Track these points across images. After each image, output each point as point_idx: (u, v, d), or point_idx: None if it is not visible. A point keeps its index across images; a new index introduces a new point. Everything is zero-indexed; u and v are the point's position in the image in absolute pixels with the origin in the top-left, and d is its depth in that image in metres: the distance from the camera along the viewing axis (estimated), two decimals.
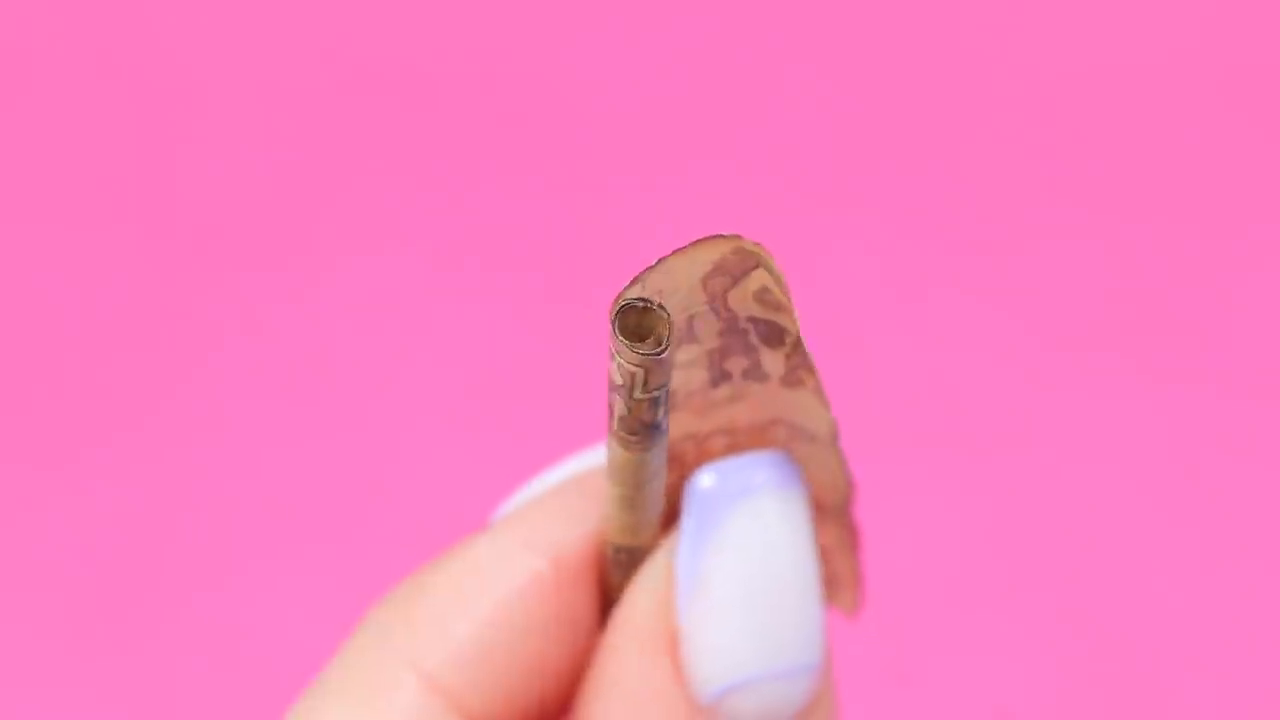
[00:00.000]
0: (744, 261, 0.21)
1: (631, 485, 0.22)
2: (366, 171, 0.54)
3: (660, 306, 0.20)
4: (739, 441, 0.23)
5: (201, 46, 0.57)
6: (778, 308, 0.22)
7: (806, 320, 0.51)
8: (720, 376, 0.23)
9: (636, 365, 0.20)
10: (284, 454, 0.49)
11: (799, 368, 0.22)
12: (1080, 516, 0.48)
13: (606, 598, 0.25)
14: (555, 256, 0.52)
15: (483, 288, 0.52)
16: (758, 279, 0.21)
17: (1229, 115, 0.55)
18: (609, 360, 0.20)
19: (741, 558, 0.23)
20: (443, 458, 0.49)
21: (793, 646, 0.23)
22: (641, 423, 0.21)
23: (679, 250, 0.21)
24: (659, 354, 0.20)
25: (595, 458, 0.25)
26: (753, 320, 0.22)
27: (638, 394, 0.21)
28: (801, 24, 0.57)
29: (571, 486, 0.24)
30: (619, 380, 0.21)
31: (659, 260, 0.21)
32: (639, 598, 0.23)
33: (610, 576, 0.24)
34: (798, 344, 0.22)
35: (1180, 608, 0.47)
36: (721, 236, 0.21)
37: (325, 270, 0.52)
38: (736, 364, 0.22)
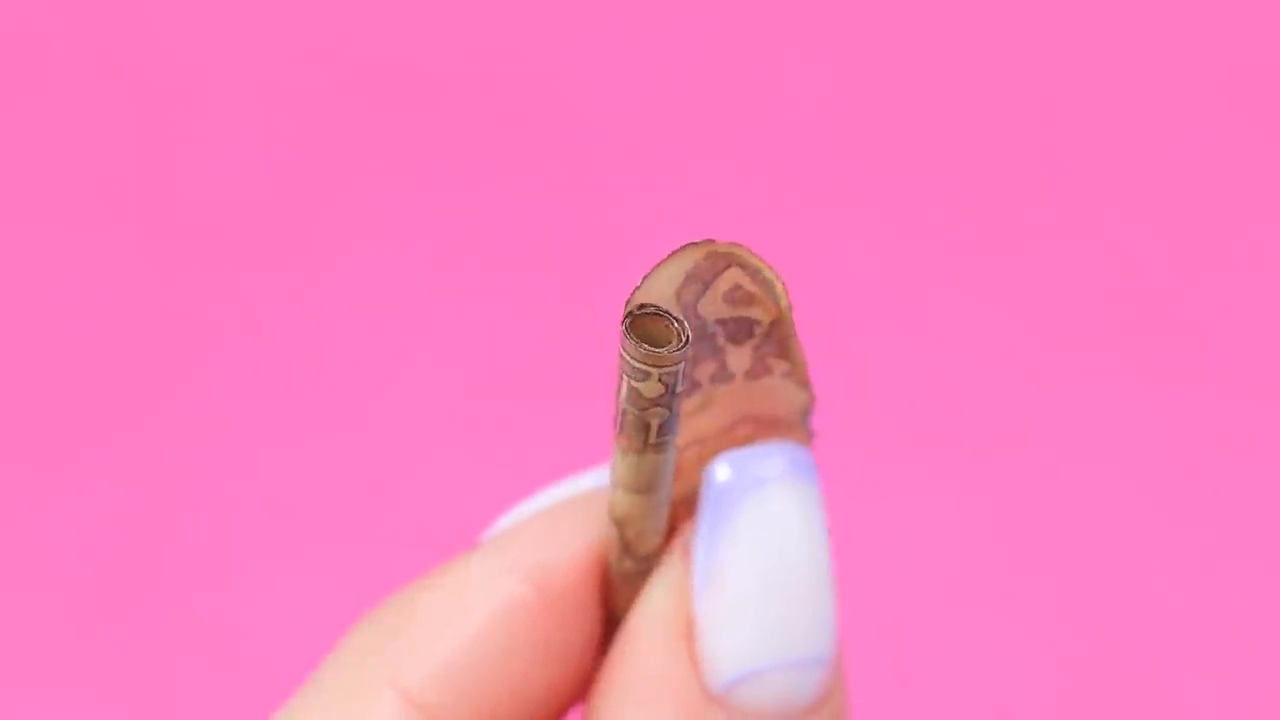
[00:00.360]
0: (715, 265, 0.21)
1: (660, 485, 0.23)
2: (366, 171, 0.54)
3: (642, 307, 0.21)
4: (707, 450, 0.24)
5: (201, 46, 0.57)
6: (748, 302, 0.22)
7: (807, 321, 0.51)
8: (691, 387, 0.23)
9: (674, 365, 0.21)
10: (284, 454, 0.49)
11: (767, 356, 0.23)
12: (1080, 516, 0.48)
13: (610, 617, 0.25)
14: (555, 256, 0.52)
15: (483, 288, 0.52)
16: (729, 278, 0.22)
17: (1229, 115, 0.55)
18: (636, 381, 0.21)
19: (754, 549, 0.23)
20: (443, 458, 0.49)
21: (805, 639, 0.23)
22: (677, 417, 0.21)
23: (659, 264, 0.21)
24: (687, 344, 0.20)
25: (585, 482, 0.25)
26: (721, 322, 0.22)
27: (678, 389, 0.21)
28: (801, 25, 0.57)
29: (561, 511, 0.24)
30: (655, 392, 0.21)
31: (643, 278, 0.21)
32: (656, 589, 0.24)
33: (620, 593, 0.24)
34: (770, 331, 0.22)
35: (1180, 608, 0.47)
36: (694, 244, 0.21)
37: (325, 270, 0.52)
38: (705, 370, 0.23)
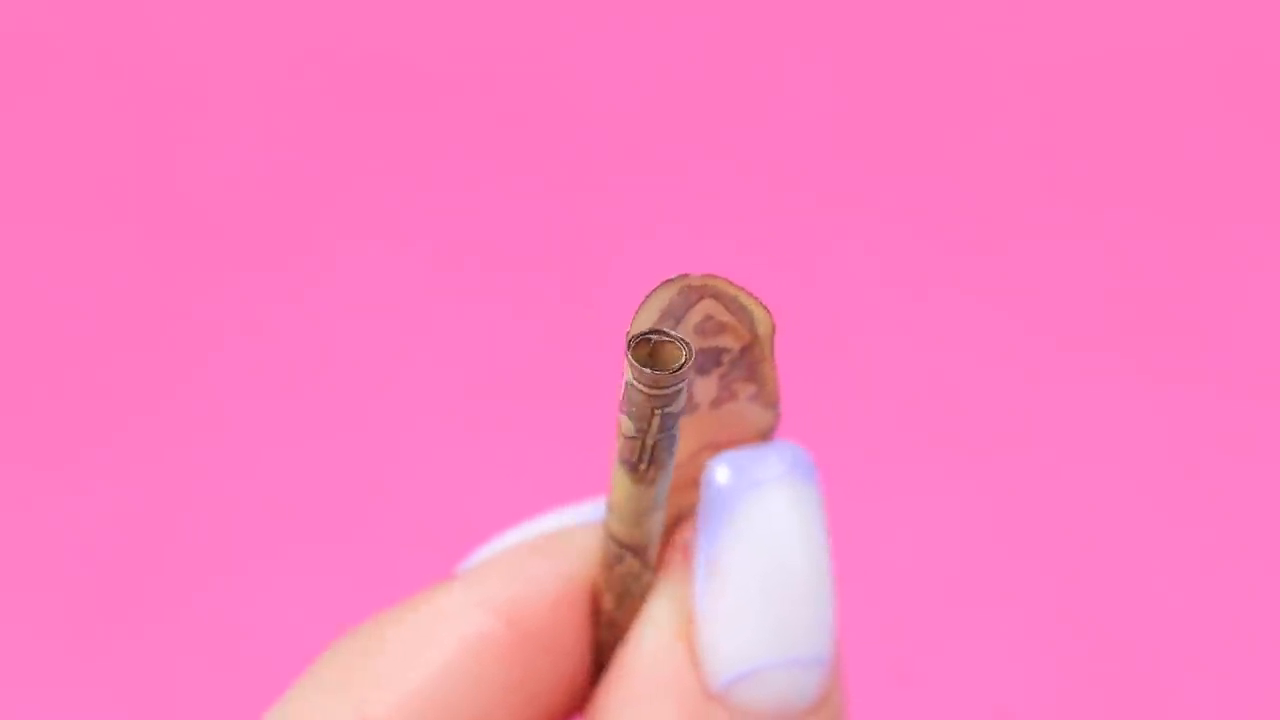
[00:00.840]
0: (687, 299, 0.22)
1: (661, 498, 0.23)
2: (366, 171, 0.54)
3: (631, 341, 0.21)
4: (675, 481, 0.24)
5: (201, 46, 0.57)
6: (719, 331, 0.22)
7: (807, 321, 0.51)
8: None
9: (689, 372, 0.21)
10: (284, 454, 0.49)
11: (733, 382, 0.23)
12: (1080, 516, 0.48)
13: (600, 649, 0.25)
14: (555, 256, 0.52)
15: (483, 288, 0.52)
16: (700, 310, 0.22)
17: (1229, 115, 0.55)
18: (668, 407, 0.21)
19: (753, 549, 0.23)
20: (443, 458, 0.49)
21: (804, 639, 0.23)
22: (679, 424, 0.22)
23: (640, 306, 0.21)
24: (691, 349, 0.21)
25: (562, 518, 0.25)
26: None
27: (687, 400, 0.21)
28: (802, 24, 0.57)
29: (538, 546, 0.25)
30: (681, 404, 0.21)
31: (631, 322, 0.22)
32: (660, 590, 0.24)
33: (633, 608, 0.25)
34: (740, 357, 0.23)
35: (1180, 608, 0.47)
36: (669, 280, 0.22)
37: (325, 270, 0.52)
38: None
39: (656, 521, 0.23)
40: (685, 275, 0.22)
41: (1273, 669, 0.46)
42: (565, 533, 0.25)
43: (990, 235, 0.53)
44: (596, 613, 0.25)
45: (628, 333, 0.21)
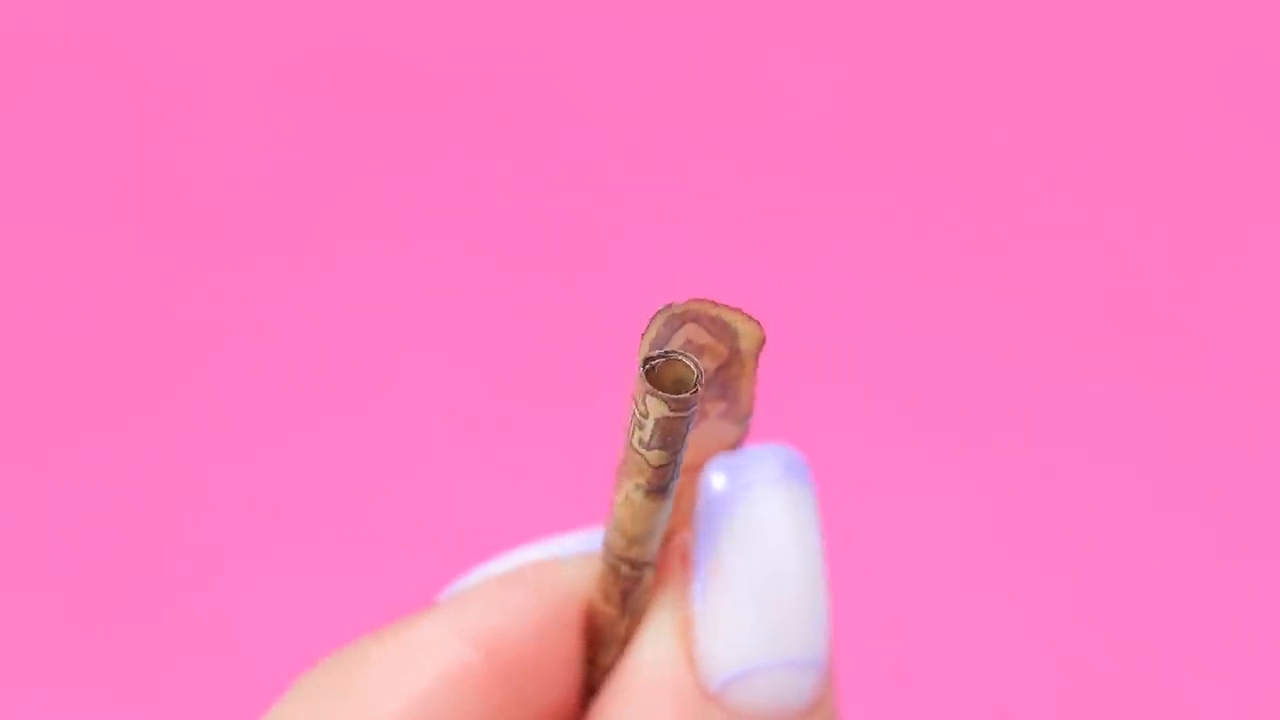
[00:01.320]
0: (671, 327, 0.22)
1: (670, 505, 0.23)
2: (366, 170, 0.54)
3: (649, 360, 0.21)
4: None
5: (201, 46, 0.57)
6: (699, 352, 0.23)
7: (807, 320, 0.51)
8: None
9: (692, 405, 0.21)
10: (284, 453, 0.49)
11: (705, 401, 0.23)
12: (1080, 516, 0.48)
13: (591, 678, 0.25)
14: (556, 256, 0.52)
15: (483, 287, 0.52)
16: (681, 335, 0.23)
17: (1230, 115, 0.55)
18: (691, 423, 0.21)
19: (749, 551, 0.23)
20: (443, 457, 0.49)
21: (798, 641, 0.23)
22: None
23: (639, 347, 0.22)
24: (699, 366, 0.21)
25: (544, 550, 0.25)
26: None
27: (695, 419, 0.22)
28: (802, 24, 0.57)
29: (520, 577, 0.24)
30: (695, 415, 0.21)
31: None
32: (660, 595, 0.24)
33: (615, 630, 0.25)
34: (714, 376, 0.23)
35: (1180, 607, 0.47)
36: (658, 312, 0.22)
37: (325, 269, 0.52)
38: None
39: (657, 544, 0.24)
40: (670, 305, 0.22)
41: (1273, 669, 0.46)
42: (548, 564, 0.25)
43: (991, 234, 0.53)
44: (591, 640, 0.25)
45: (639, 373, 0.22)
